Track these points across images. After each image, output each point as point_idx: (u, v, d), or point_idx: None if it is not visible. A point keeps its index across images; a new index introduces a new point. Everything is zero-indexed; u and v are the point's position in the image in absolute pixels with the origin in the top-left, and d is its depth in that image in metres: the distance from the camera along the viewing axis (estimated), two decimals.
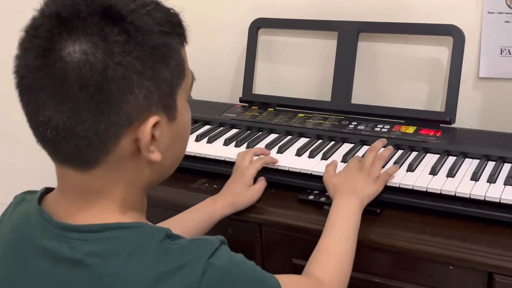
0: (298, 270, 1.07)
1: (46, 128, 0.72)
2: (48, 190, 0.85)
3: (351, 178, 1.18)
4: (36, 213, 0.79)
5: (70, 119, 0.71)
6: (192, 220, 1.20)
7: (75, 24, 0.70)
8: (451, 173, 1.22)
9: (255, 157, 1.32)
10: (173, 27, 0.77)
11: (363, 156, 1.28)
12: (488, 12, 1.45)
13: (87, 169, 0.76)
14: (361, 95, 1.58)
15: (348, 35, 1.55)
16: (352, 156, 1.33)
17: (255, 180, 1.28)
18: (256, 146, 1.41)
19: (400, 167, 1.26)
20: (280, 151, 1.39)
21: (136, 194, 0.82)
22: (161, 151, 0.78)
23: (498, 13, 1.44)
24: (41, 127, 0.73)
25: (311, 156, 1.35)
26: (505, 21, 1.44)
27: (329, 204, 1.21)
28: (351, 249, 1.08)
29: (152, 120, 0.75)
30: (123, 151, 0.76)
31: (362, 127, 1.46)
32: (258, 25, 1.68)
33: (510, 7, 1.42)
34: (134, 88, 0.72)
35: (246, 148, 1.42)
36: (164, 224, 1.18)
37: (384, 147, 1.28)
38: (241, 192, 1.24)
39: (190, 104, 1.76)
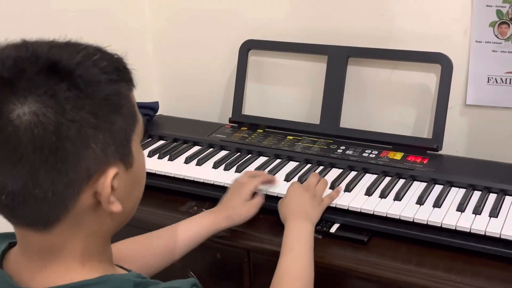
0: None
1: (1, 194, 0.69)
2: (11, 245, 0.81)
3: (298, 201, 1.21)
4: None
5: (26, 183, 0.68)
6: (187, 231, 1.19)
7: (21, 85, 0.67)
8: (437, 203, 1.24)
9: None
10: (121, 74, 0.74)
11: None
12: (476, 41, 1.47)
13: (47, 228, 0.73)
14: (349, 119, 1.60)
15: (338, 59, 1.56)
16: (340, 183, 1.35)
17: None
18: (263, 171, 1.41)
19: (343, 191, 1.30)
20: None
21: (99, 245, 0.79)
22: (120, 200, 0.75)
23: (486, 42, 1.46)
24: None
25: (300, 181, 1.36)
26: (493, 50, 1.46)
27: (317, 231, 1.23)
28: (311, 271, 1.09)
29: (112, 172, 0.73)
30: (83, 206, 0.73)
31: (350, 152, 1.47)
32: (248, 46, 1.69)
33: (498, 37, 1.44)
34: (91, 143, 0.70)
35: (235, 172, 1.43)
36: (160, 232, 1.17)
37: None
38: (237, 205, 1.24)
39: (179, 123, 1.77)
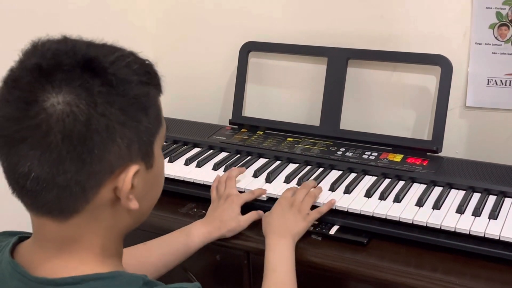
0: None
1: (27, 179, 0.72)
2: (21, 239, 0.84)
3: (281, 216, 1.21)
4: (9, 266, 0.78)
5: (52, 170, 0.71)
6: (178, 243, 1.20)
7: (57, 76, 0.71)
8: (437, 205, 1.24)
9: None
10: (151, 78, 0.78)
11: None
12: (475, 43, 1.47)
13: (66, 218, 0.76)
14: (349, 120, 1.60)
15: (338, 61, 1.56)
16: (340, 185, 1.35)
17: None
18: (231, 169, 1.40)
19: (332, 206, 1.27)
20: (269, 177, 1.40)
21: (114, 240, 0.82)
22: (138, 199, 0.78)
23: (486, 44, 1.46)
24: (21, 178, 0.72)
25: (299, 183, 1.36)
26: (492, 52, 1.46)
27: (316, 233, 1.23)
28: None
29: (133, 169, 0.76)
30: (102, 200, 0.76)
31: (350, 154, 1.47)
32: (248, 48, 1.69)
33: (497, 39, 1.45)
34: (117, 138, 0.73)
35: None
36: (152, 242, 1.19)
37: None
38: (229, 219, 1.25)
39: (180, 125, 1.78)
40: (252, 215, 1.28)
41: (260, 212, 1.28)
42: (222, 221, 1.25)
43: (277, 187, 1.36)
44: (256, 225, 1.29)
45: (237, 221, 1.26)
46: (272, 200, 1.32)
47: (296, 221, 1.20)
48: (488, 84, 1.48)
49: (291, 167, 1.46)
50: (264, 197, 1.34)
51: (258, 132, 1.65)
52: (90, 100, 0.70)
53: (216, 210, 1.28)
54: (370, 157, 1.45)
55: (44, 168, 0.71)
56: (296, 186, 1.35)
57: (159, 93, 0.82)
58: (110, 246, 0.81)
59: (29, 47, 0.74)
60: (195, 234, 1.22)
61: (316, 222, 1.25)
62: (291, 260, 1.13)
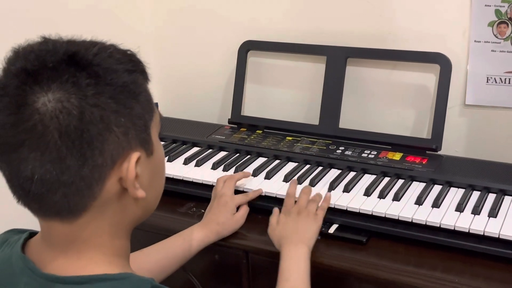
0: None
1: (31, 183, 0.72)
2: (31, 235, 0.84)
3: (292, 224, 1.20)
4: (19, 261, 0.79)
5: (55, 169, 0.71)
6: (177, 247, 1.21)
7: (44, 75, 0.71)
8: (436, 204, 1.23)
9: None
10: (136, 65, 0.78)
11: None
12: (475, 41, 1.46)
13: (75, 218, 0.76)
14: (348, 119, 1.60)
15: (337, 60, 1.56)
16: (339, 183, 1.34)
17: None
18: (237, 172, 1.41)
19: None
20: (268, 176, 1.40)
21: (122, 238, 0.82)
22: (143, 188, 0.78)
23: (485, 42, 1.46)
24: (25, 183, 0.72)
25: (299, 182, 1.36)
26: (492, 50, 1.45)
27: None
28: None
29: (135, 156, 0.76)
30: (109, 194, 0.76)
31: (349, 153, 1.47)
32: (247, 47, 1.69)
33: (497, 37, 1.44)
34: (113, 126, 0.73)
35: (234, 173, 1.42)
36: (150, 249, 1.19)
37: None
38: (226, 221, 1.26)
39: (179, 124, 1.78)
40: (245, 210, 1.29)
41: (246, 206, 1.30)
42: (219, 223, 1.25)
43: (276, 186, 1.35)
44: (255, 225, 1.28)
45: (235, 220, 1.27)
46: (270, 200, 1.32)
47: (308, 224, 1.19)
48: (487, 82, 1.48)
49: (290, 166, 1.46)
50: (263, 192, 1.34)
51: (257, 131, 1.64)
52: (80, 93, 0.71)
53: (211, 210, 1.28)
54: (369, 156, 1.45)
55: (47, 168, 0.71)
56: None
57: (146, 80, 0.81)
58: (118, 245, 0.81)
59: (11, 54, 0.75)
60: (193, 238, 1.22)
61: None
62: (304, 269, 1.11)
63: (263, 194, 1.33)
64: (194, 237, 1.22)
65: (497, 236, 1.13)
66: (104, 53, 0.75)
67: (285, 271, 1.10)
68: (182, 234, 1.23)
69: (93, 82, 0.72)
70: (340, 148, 1.50)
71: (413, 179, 1.35)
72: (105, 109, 0.72)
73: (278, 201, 1.32)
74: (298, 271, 1.10)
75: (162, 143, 1.62)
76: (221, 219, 1.25)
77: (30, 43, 0.76)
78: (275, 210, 1.25)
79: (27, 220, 0.86)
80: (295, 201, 1.24)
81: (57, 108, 0.70)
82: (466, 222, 1.17)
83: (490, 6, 1.42)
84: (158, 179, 0.86)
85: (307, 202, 1.23)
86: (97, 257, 0.79)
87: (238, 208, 1.30)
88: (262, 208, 1.32)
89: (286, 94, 1.75)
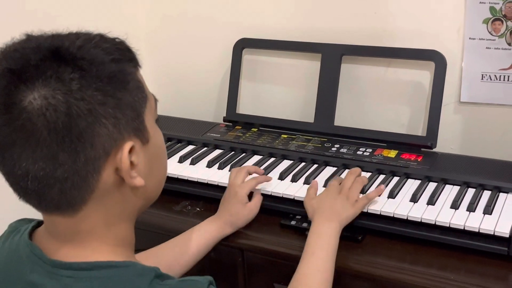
0: None
1: (27, 180, 0.73)
2: (40, 223, 0.85)
3: (330, 201, 1.19)
4: (26, 248, 0.80)
5: (47, 165, 0.72)
6: (192, 242, 1.20)
7: (28, 73, 0.71)
8: (431, 201, 1.23)
9: (249, 176, 1.32)
10: (123, 53, 0.78)
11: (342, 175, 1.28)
12: (469, 38, 1.46)
13: (75, 212, 0.77)
14: (343, 117, 1.60)
15: (332, 57, 1.56)
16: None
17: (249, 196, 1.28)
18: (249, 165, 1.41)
19: (381, 193, 1.26)
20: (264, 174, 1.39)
21: (125, 228, 0.82)
22: (142, 176, 0.79)
23: (479, 39, 1.46)
24: (21, 181, 0.73)
25: (294, 180, 1.36)
26: (486, 47, 1.46)
27: None
28: (330, 278, 1.08)
29: (127, 146, 0.76)
30: (106, 185, 0.76)
31: (345, 150, 1.47)
32: (242, 45, 1.68)
33: (491, 34, 1.44)
34: (101, 119, 0.73)
35: (229, 171, 1.42)
36: (165, 245, 1.19)
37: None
38: (237, 211, 1.25)
39: (174, 122, 1.77)
40: (258, 199, 1.28)
41: (259, 194, 1.29)
42: (232, 214, 1.25)
43: (271, 184, 1.35)
44: (250, 223, 1.28)
45: (248, 210, 1.26)
46: (265, 198, 1.32)
47: (344, 207, 1.18)
48: (482, 79, 1.48)
49: (286, 163, 1.46)
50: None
51: (253, 129, 1.64)
52: (64, 88, 0.71)
53: (223, 202, 1.28)
54: (365, 153, 1.45)
55: (40, 165, 0.72)
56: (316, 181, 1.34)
57: (136, 67, 0.81)
58: (122, 235, 0.82)
59: None
60: (207, 231, 1.22)
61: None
62: (332, 246, 1.11)
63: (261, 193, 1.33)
64: (208, 230, 1.22)
65: (492, 233, 1.13)
66: (89, 45, 0.74)
67: (311, 245, 1.11)
68: (195, 228, 1.23)
69: (77, 76, 0.71)
70: (335, 145, 1.50)
71: (408, 176, 1.35)
72: (91, 102, 0.72)
73: (273, 199, 1.32)
74: (325, 247, 1.10)
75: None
76: (233, 210, 1.25)
77: (14, 42, 0.76)
78: (315, 181, 1.28)
79: (32, 214, 0.87)
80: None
81: (43, 105, 0.70)
82: (461, 219, 1.17)
83: (485, 3, 1.42)
84: (158, 166, 0.85)
85: (352, 184, 1.23)
86: (101, 247, 0.79)
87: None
88: (272, 209, 1.31)
89: (281, 92, 1.75)
